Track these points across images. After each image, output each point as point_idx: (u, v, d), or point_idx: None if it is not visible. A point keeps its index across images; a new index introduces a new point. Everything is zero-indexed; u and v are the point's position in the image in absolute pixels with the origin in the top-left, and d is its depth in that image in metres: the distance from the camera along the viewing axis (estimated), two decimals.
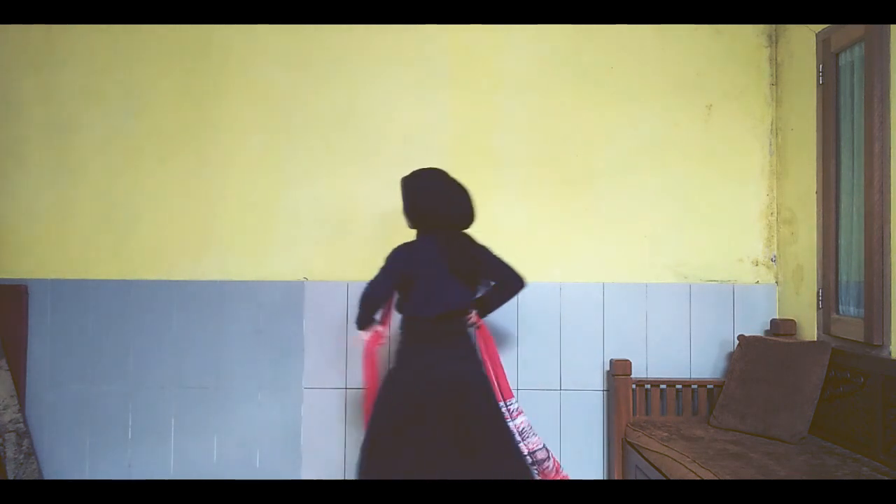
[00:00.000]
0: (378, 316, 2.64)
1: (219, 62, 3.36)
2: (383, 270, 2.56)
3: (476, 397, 2.50)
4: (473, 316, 2.66)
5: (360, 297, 2.58)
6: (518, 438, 2.68)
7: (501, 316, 3.31)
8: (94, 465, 3.32)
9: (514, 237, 3.33)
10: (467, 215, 2.62)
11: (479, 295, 2.68)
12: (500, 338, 3.32)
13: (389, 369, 2.59)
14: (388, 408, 2.47)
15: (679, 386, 3.22)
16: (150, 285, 3.33)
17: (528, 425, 2.78)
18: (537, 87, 3.35)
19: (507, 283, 2.67)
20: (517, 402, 2.81)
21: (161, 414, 3.31)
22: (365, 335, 2.63)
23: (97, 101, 3.37)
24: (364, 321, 2.59)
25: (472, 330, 2.69)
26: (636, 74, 3.35)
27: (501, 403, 2.68)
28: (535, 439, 2.76)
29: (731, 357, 3.16)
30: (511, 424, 2.67)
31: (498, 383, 2.71)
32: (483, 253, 2.65)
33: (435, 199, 2.56)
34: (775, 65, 3.36)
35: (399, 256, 2.56)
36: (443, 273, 2.51)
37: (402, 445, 2.40)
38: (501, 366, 2.77)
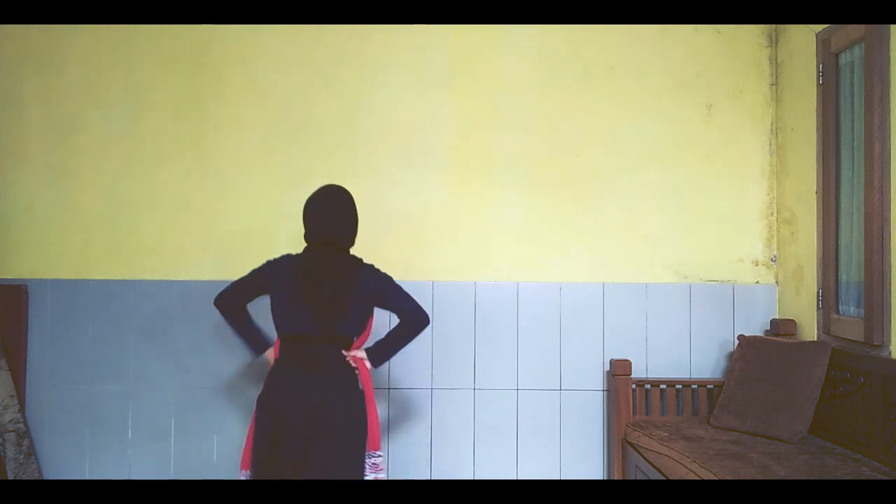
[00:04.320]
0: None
1: (219, 62, 3.36)
2: (250, 274, 2.47)
3: (338, 434, 2.28)
4: (350, 358, 2.38)
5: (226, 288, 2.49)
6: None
7: (501, 315, 3.32)
8: (94, 465, 3.31)
9: (514, 237, 3.33)
10: (333, 233, 2.40)
11: (346, 324, 2.38)
12: (499, 339, 3.32)
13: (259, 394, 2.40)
14: (258, 434, 2.35)
15: (679, 386, 3.22)
16: (150, 285, 3.33)
17: None
18: (537, 87, 3.35)
19: (410, 318, 2.40)
20: (382, 457, 2.44)
21: (161, 414, 3.31)
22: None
23: (97, 101, 3.37)
24: (221, 307, 2.48)
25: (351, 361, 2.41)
26: (636, 74, 3.35)
27: (366, 455, 2.38)
28: None
29: (731, 357, 3.16)
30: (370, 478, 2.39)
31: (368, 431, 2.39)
32: (378, 283, 2.40)
33: (307, 216, 2.43)
34: (775, 65, 3.36)
35: (265, 267, 2.46)
36: (295, 294, 2.34)
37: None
38: (375, 413, 2.42)
